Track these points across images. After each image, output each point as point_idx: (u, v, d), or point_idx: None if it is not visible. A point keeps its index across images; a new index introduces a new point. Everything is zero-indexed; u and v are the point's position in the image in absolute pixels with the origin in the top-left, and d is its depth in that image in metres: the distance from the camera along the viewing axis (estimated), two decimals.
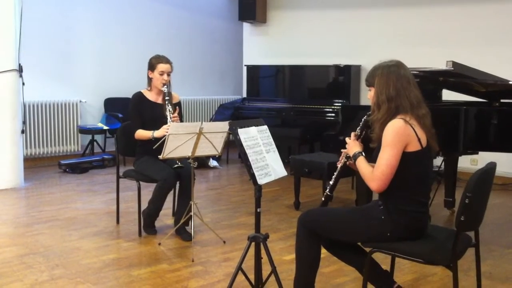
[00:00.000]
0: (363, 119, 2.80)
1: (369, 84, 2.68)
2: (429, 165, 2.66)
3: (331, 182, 2.91)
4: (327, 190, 2.91)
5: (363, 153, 2.69)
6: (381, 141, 2.55)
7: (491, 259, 3.76)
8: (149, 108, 4.22)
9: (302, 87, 7.72)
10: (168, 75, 4.20)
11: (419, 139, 2.52)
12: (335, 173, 2.90)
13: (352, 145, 2.75)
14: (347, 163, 2.83)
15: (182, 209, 4.04)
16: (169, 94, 4.16)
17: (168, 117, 4.04)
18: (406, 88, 2.57)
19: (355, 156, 2.69)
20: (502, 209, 5.23)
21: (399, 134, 2.49)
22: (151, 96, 4.28)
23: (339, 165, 2.88)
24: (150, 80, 4.26)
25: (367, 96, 2.75)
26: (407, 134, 2.50)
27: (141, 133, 4.16)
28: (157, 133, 4.01)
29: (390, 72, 2.58)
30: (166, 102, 4.12)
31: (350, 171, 2.95)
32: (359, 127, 2.82)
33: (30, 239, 4.09)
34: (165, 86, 4.17)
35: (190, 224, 3.99)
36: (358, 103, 7.26)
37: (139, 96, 4.27)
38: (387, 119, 2.55)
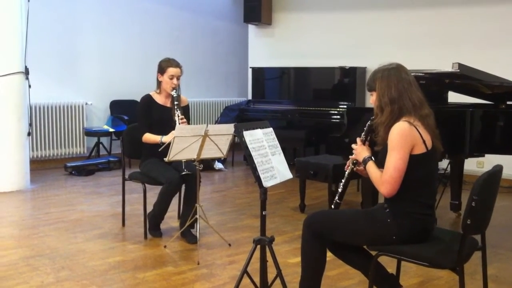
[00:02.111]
0: (367, 124, 2.80)
1: (371, 88, 2.68)
2: (434, 167, 2.65)
3: (339, 190, 2.90)
4: (337, 198, 2.91)
5: (372, 158, 2.68)
6: (386, 144, 2.54)
7: (497, 262, 3.74)
8: (158, 111, 4.21)
9: (307, 89, 7.71)
10: (178, 79, 4.18)
11: (424, 141, 2.51)
12: (343, 180, 2.89)
13: (361, 150, 2.74)
14: (354, 169, 2.82)
15: (188, 212, 4.03)
16: (178, 98, 4.15)
17: (177, 122, 4.02)
18: (407, 89, 2.57)
19: (365, 161, 2.68)
20: (509, 212, 5.21)
21: (404, 136, 2.48)
22: (160, 99, 4.26)
23: (346, 172, 2.87)
24: (159, 83, 4.24)
25: (369, 101, 2.74)
26: (412, 136, 2.49)
27: (149, 137, 4.14)
28: (166, 138, 3.98)
29: (390, 75, 2.59)
30: (175, 106, 4.10)
31: (357, 175, 2.94)
32: (363, 133, 2.81)
33: (36, 241, 4.10)
34: (174, 90, 4.15)
35: (196, 226, 3.99)
36: (364, 105, 7.24)
37: (148, 99, 4.25)
38: (392, 122, 2.55)
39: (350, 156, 2.84)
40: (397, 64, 2.66)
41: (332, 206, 2.92)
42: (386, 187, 2.50)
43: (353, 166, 2.83)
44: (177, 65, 4.19)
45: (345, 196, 5.64)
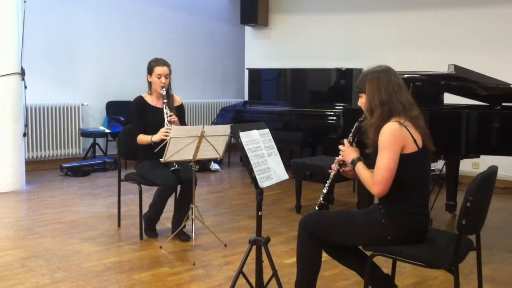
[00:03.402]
0: (355, 126, 2.80)
1: (360, 90, 2.68)
2: (427, 166, 2.66)
3: (324, 191, 2.90)
4: (321, 199, 2.91)
5: (361, 159, 2.69)
6: (377, 146, 2.55)
7: (492, 262, 3.75)
8: (150, 112, 4.20)
9: (303, 90, 7.73)
10: (166, 78, 4.16)
11: (414, 140, 2.52)
12: (328, 181, 2.89)
13: (349, 152, 2.74)
14: (341, 170, 2.82)
15: (182, 213, 4.04)
16: (168, 97, 4.14)
17: (166, 119, 4.03)
18: (397, 91, 2.58)
19: (354, 162, 2.68)
20: (504, 213, 5.22)
21: (394, 136, 2.49)
22: (151, 100, 4.26)
23: (332, 173, 2.87)
24: (150, 84, 4.24)
25: (358, 103, 2.74)
26: (403, 136, 2.51)
27: (142, 138, 4.13)
28: (155, 137, 3.99)
29: (380, 77, 2.60)
30: (164, 105, 4.10)
31: (343, 177, 2.94)
32: (351, 134, 2.82)
33: (31, 242, 4.09)
34: (163, 89, 4.15)
35: (191, 227, 3.99)
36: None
37: (140, 100, 4.24)
38: (381, 123, 2.55)
39: (336, 158, 2.84)
40: (386, 66, 2.67)
41: (316, 208, 2.92)
42: (378, 187, 2.51)
43: (339, 167, 2.83)
44: (164, 63, 4.17)
45: (341, 197, 5.67)
